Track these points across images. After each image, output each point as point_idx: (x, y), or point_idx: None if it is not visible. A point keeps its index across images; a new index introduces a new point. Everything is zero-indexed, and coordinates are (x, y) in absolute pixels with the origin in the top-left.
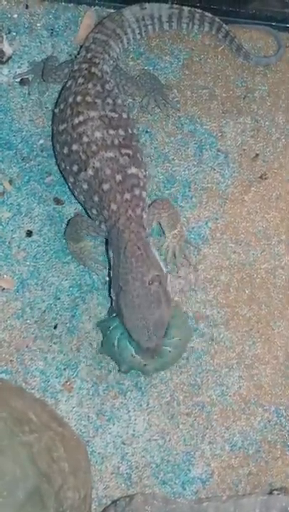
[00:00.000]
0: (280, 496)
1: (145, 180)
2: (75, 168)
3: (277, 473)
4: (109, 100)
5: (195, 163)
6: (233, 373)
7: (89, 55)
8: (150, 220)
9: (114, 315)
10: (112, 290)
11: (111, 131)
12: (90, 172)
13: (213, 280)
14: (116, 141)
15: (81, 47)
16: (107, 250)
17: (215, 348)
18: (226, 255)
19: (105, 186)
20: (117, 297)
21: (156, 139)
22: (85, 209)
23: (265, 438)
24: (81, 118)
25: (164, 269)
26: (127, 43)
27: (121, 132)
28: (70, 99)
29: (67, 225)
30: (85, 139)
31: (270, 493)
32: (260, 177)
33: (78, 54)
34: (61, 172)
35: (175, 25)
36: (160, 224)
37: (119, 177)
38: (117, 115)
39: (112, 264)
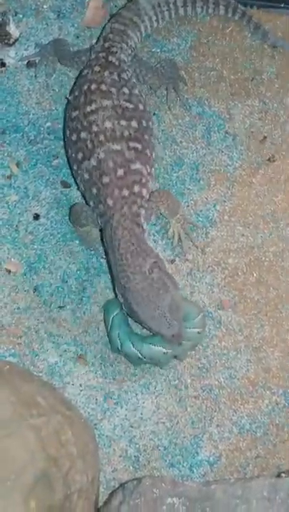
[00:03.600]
0: (288, 478)
1: (148, 177)
2: (79, 156)
3: (285, 456)
4: (126, 90)
5: (203, 145)
6: (241, 356)
7: (106, 45)
8: (149, 214)
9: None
10: (117, 292)
11: (123, 122)
12: (93, 162)
13: (221, 263)
14: (126, 133)
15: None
16: (102, 240)
17: (223, 331)
18: (234, 238)
19: (105, 179)
20: (124, 297)
21: (164, 122)
22: (84, 198)
23: (273, 421)
24: (93, 106)
25: (160, 255)
26: (145, 30)
27: (134, 124)
28: (85, 87)
29: (70, 210)
30: (95, 128)
31: (278, 475)
32: (268, 159)
33: (96, 43)
34: (67, 159)
35: (190, 10)
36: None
37: (121, 172)
38: (132, 105)
39: (110, 263)
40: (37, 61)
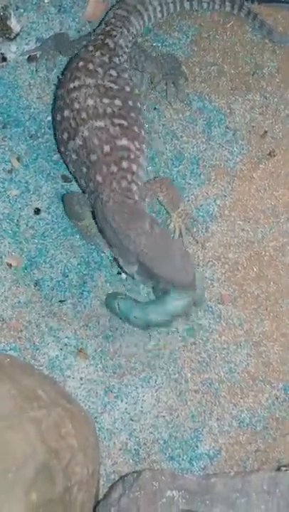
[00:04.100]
0: (287, 472)
1: (138, 153)
2: (65, 136)
3: (285, 450)
4: (113, 72)
5: (203, 140)
6: (241, 351)
7: (107, 28)
8: (143, 194)
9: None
10: (124, 265)
11: (105, 100)
12: (79, 141)
13: (221, 258)
14: (109, 110)
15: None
16: (95, 221)
17: (223, 326)
18: (234, 233)
19: (93, 157)
20: (138, 262)
21: (165, 116)
22: (76, 180)
23: (273, 415)
24: (76, 83)
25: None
26: (148, 20)
27: (117, 102)
28: (73, 65)
29: (62, 201)
30: (76, 106)
31: (278, 469)
32: (269, 154)
33: (97, 27)
34: (56, 142)
35: (196, 4)
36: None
37: (107, 148)
38: (117, 87)
39: (109, 240)
40: (38, 56)
